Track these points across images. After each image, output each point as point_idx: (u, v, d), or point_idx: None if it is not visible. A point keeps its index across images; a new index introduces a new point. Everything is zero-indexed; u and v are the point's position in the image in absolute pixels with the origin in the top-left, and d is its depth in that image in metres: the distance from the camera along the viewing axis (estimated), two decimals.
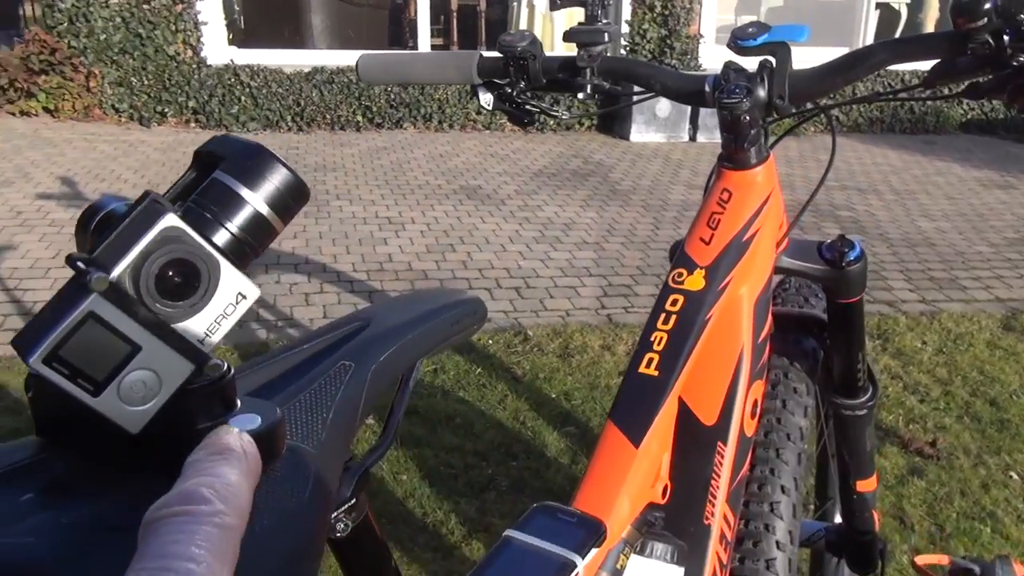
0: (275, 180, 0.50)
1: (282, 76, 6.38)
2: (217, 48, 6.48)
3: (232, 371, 0.52)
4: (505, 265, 3.76)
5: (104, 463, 0.50)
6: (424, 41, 7.13)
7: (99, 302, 0.44)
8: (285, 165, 0.51)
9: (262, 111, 6.33)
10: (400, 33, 8.52)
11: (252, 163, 0.50)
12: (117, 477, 0.50)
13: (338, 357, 0.73)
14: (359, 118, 6.50)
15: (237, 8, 7.61)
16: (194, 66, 6.33)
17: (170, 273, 0.45)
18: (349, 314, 0.84)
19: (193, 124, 6.32)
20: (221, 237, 0.48)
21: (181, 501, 0.41)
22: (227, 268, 0.48)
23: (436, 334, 0.83)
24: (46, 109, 6.18)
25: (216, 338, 0.49)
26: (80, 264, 0.44)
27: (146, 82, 6.23)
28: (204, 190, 0.50)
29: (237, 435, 0.47)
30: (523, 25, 7.39)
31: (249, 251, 0.50)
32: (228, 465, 0.44)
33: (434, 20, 7.73)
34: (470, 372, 2.72)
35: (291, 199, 0.51)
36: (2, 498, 0.47)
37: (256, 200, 0.50)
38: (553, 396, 2.61)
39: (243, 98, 6.29)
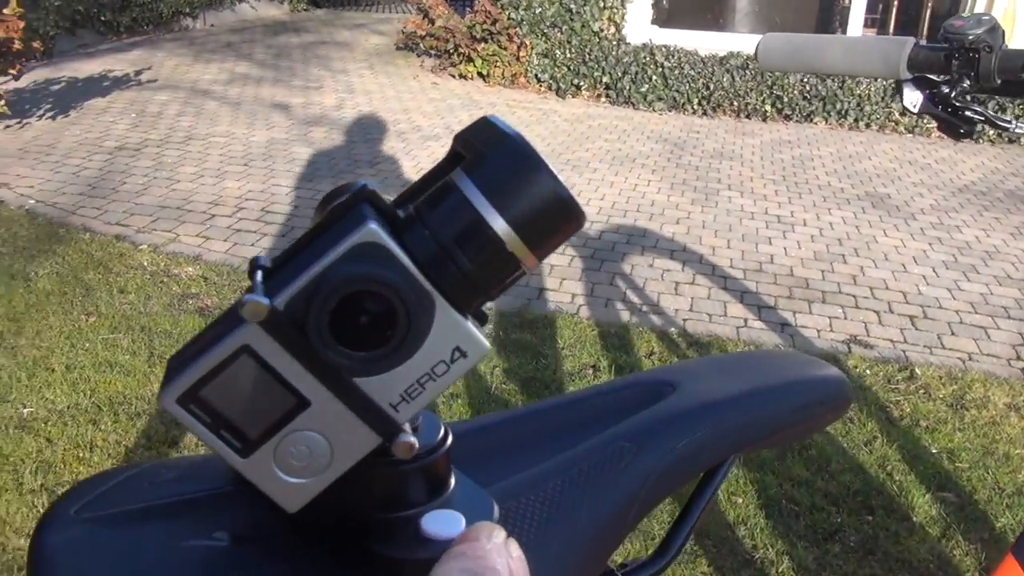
0: (535, 198, 0.35)
1: (696, 58, 6.31)
2: (638, 27, 6.60)
3: (447, 442, 0.39)
4: (902, 287, 3.33)
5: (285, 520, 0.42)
6: (855, 31, 6.57)
7: (256, 334, 0.33)
8: (555, 177, 0.35)
9: (671, 92, 6.33)
10: (829, 20, 7.96)
11: (507, 166, 0.35)
12: (287, 545, 0.41)
13: (616, 433, 0.53)
14: (767, 108, 6.21)
15: None
16: (614, 43, 6.51)
17: (354, 310, 0.33)
18: (653, 370, 0.63)
19: (603, 99, 6.52)
20: (442, 267, 0.35)
21: None
22: (444, 312, 0.35)
23: (769, 422, 0.59)
24: (480, 74, 6.79)
25: (417, 406, 0.36)
26: (259, 275, 0.34)
27: (568, 55, 6.55)
28: (435, 195, 0.36)
29: (504, 546, 0.32)
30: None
31: (478, 291, 0.36)
32: None
33: (870, 8, 7.09)
34: None
35: (554, 227, 0.36)
36: (169, 533, 0.41)
37: (500, 223, 0.35)
38: (933, 451, 2.24)
39: (654, 77, 6.34)
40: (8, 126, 4.74)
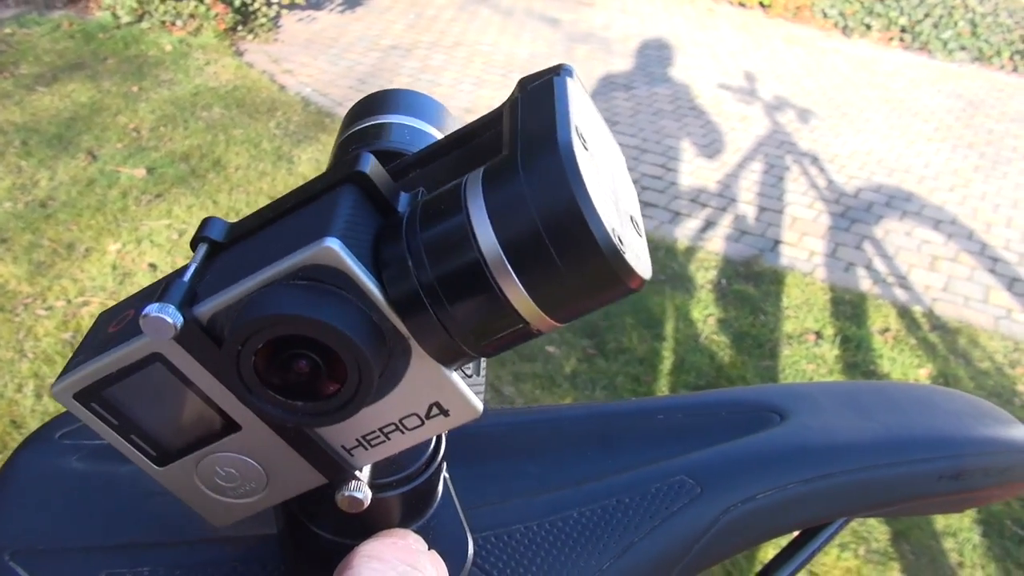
0: (561, 244, 0.23)
1: (1017, 5, 5.49)
2: None
3: (437, 462, 0.32)
4: None
5: None
6: None
7: (170, 346, 0.26)
8: (595, 215, 0.23)
9: (978, 41, 5.57)
10: None
11: (533, 188, 0.23)
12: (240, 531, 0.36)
13: (680, 464, 0.41)
14: None
15: None
16: None
17: (292, 352, 0.25)
18: (762, 389, 0.49)
19: (895, 43, 5.88)
20: (422, 308, 0.25)
21: None
22: (422, 362, 0.26)
23: (904, 485, 0.44)
24: (761, 3, 6.37)
25: (377, 454, 0.28)
26: (201, 251, 0.27)
27: None
28: (434, 202, 0.26)
29: (421, 541, 0.28)
30: None
31: (468, 347, 0.26)
32: None
33: None
34: None
35: (583, 289, 0.24)
36: (137, 480, 0.37)
37: (505, 271, 0.24)
38: None
39: (961, 23, 5.61)
40: (301, 18, 5.13)
